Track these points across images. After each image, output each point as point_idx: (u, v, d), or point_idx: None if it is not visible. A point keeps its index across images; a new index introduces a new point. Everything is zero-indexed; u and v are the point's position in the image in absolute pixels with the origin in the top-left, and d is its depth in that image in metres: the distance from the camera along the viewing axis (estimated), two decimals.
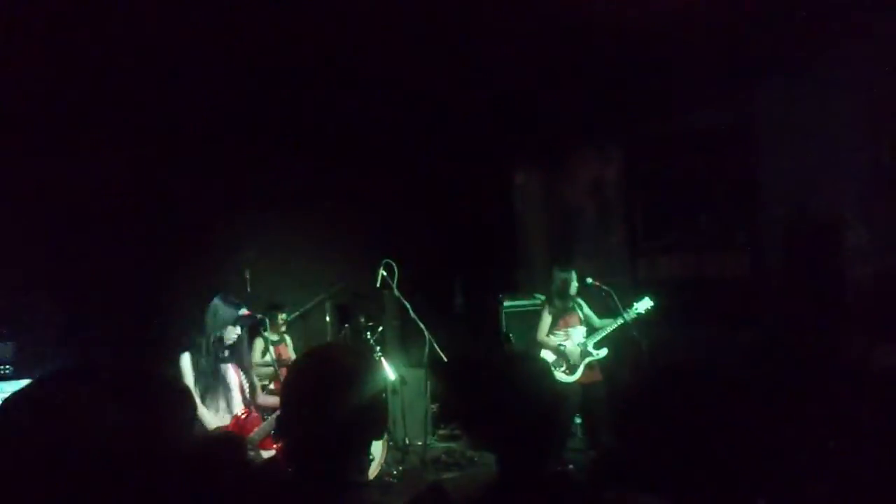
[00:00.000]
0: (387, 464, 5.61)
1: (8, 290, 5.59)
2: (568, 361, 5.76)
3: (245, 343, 4.25)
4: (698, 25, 4.98)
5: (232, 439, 3.50)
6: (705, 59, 5.54)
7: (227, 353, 4.09)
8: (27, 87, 5.22)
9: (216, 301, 4.08)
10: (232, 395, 4.10)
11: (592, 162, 7.91)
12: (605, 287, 5.78)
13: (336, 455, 1.44)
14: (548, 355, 5.83)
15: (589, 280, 5.83)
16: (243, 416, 4.09)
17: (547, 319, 5.90)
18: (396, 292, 6.16)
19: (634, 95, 6.40)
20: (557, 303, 5.89)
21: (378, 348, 6.23)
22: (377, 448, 5.23)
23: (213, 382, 4.00)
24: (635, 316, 5.67)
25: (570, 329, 5.86)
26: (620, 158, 7.59)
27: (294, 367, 1.66)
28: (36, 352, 5.51)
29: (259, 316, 4.46)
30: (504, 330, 7.23)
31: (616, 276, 6.90)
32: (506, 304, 7.35)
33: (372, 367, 1.59)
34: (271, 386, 5.54)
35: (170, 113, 5.92)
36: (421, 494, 1.63)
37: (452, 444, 6.84)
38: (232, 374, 4.14)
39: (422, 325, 6.12)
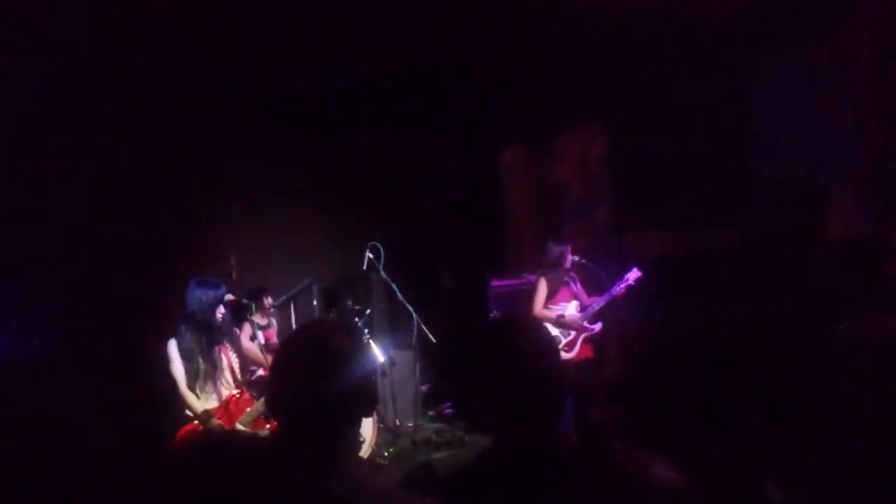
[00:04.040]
0: (377, 445, 5.62)
1: None
2: (571, 331, 5.75)
3: (231, 323, 4.24)
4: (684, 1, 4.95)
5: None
6: (691, 35, 5.52)
7: (216, 334, 4.08)
8: (22, 78, 5.13)
9: (192, 285, 4.06)
10: (224, 376, 4.09)
11: (578, 139, 7.90)
12: (590, 264, 5.80)
13: (328, 431, 1.45)
14: (548, 328, 5.80)
15: (575, 258, 5.84)
16: (236, 397, 4.08)
17: (542, 291, 5.85)
18: (383, 274, 6.15)
19: (620, 72, 6.37)
20: (552, 276, 5.86)
21: (366, 331, 6.21)
22: (368, 429, 5.23)
23: (202, 367, 3.99)
24: (625, 288, 5.68)
25: (563, 304, 5.86)
26: (606, 135, 7.58)
27: (284, 345, 1.65)
28: (24, 342, 5.45)
29: (244, 301, 4.45)
30: (492, 310, 7.24)
31: (603, 252, 6.91)
32: (493, 284, 7.34)
33: (361, 343, 1.60)
34: (260, 372, 5.52)
35: (157, 101, 5.85)
36: (412, 474, 1.64)
37: (443, 425, 6.86)
38: (222, 355, 4.13)
39: (409, 307, 6.11)
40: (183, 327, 3.99)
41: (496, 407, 1.54)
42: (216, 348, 4.07)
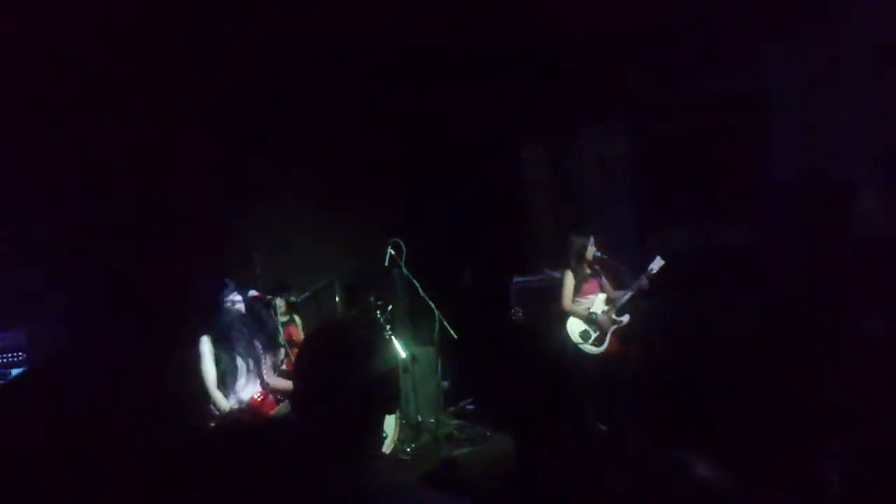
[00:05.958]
0: (400, 441, 5.65)
1: (21, 277, 5.62)
2: (600, 328, 5.75)
3: (264, 323, 4.27)
4: None
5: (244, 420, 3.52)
6: (710, 27, 5.47)
7: (249, 336, 4.11)
8: (35, 83, 5.20)
9: (229, 289, 4.11)
10: (249, 376, 4.12)
11: (599, 135, 7.85)
12: (613, 261, 5.79)
13: (352, 429, 1.44)
14: (577, 324, 5.80)
15: (598, 254, 5.83)
16: (259, 399, 4.11)
17: (570, 285, 5.86)
18: (405, 271, 6.16)
19: (639, 66, 6.32)
20: (578, 269, 5.86)
21: (388, 327, 6.23)
22: (390, 426, 5.26)
23: (234, 367, 4.02)
24: (651, 277, 5.65)
25: (591, 297, 5.85)
26: (627, 131, 7.53)
27: (309, 341, 1.66)
28: (48, 339, 5.54)
29: (268, 297, 4.47)
30: (513, 306, 7.22)
31: (625, 249, 6.86)
32: (515, 280, 7.33)
33: (383, 339, 1.60)
34: (283, 367, 5.56)
35: (178, 98, 5.91)
36: (434, 470, 1.64)
37: (465, 421, 6.87)
38: (249, 358, 4.16)
39: (431, 303, 6.12)
40: (217, 327, 4.02)
41: (508, 407, 1.55)
42: (245, 351, 4.10)
